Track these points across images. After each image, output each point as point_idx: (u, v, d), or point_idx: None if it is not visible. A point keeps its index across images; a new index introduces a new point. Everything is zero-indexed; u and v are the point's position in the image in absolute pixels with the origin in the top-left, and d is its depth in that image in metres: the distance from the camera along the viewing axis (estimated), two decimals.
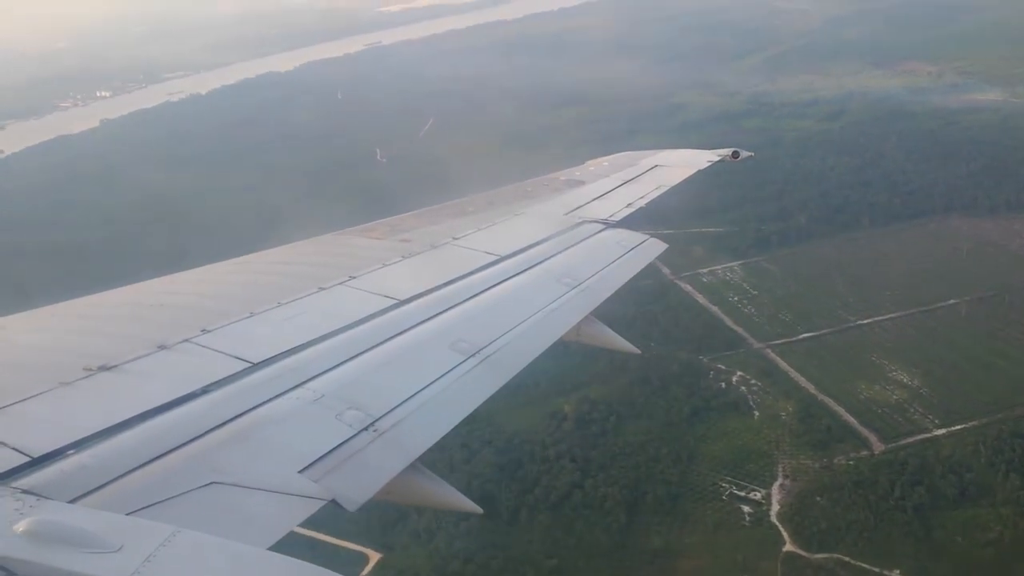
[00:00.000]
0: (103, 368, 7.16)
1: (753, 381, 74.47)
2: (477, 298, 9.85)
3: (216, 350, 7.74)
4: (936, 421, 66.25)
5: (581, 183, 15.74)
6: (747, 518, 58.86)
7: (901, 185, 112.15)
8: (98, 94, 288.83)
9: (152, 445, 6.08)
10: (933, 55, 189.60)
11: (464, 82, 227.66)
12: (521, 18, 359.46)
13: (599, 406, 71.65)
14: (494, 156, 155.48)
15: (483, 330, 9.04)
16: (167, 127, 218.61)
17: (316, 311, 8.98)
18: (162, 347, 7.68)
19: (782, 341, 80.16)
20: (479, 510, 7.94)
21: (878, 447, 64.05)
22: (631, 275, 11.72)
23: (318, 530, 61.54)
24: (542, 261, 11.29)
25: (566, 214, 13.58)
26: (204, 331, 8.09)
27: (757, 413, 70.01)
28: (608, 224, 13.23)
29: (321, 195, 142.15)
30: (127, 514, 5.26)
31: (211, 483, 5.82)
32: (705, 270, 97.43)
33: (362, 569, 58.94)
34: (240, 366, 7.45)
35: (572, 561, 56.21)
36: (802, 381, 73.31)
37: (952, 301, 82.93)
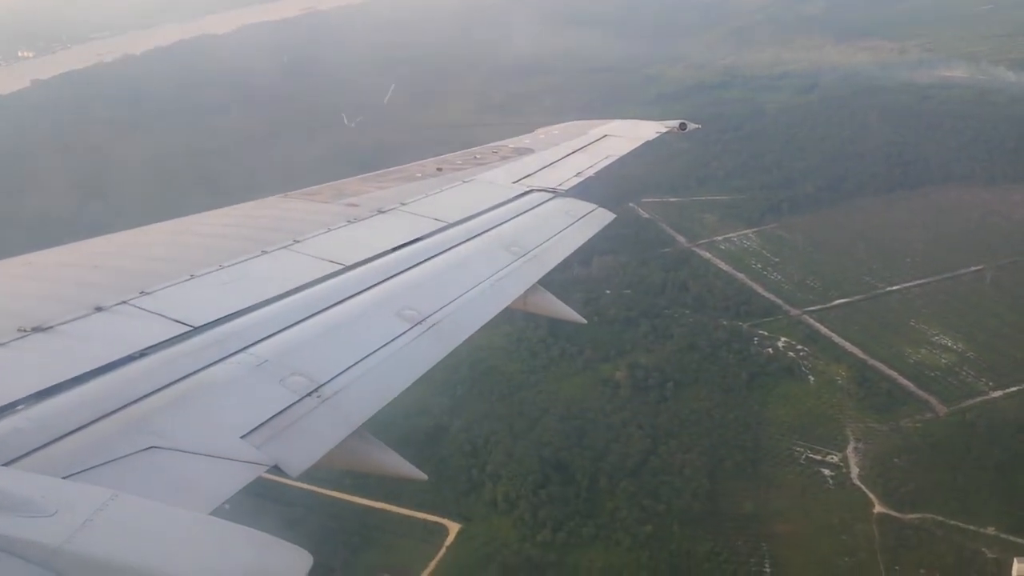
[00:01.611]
0: (37, 329, 6.95)
1: (799, 346, 74.57)
2: (424, 265, 9.72)
3: (155, 313, 7.54)
4: (990, 383, 67.39)
5: (530, 151, 15.67)
6: (830, 481, 58.86)
7: (895, 156, 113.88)
8: (20, 54, 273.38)
9: (89, 408, 5.90)
10: (891, 32, 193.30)
11: (420, 48, 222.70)
12: None
13: (652, 373, 70.59)
14: (470, 123, 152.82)
15: (429, 298, 8.92)
16: (107, 89, 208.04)
17: (259, 275, 8.81)
18: (99, 308, 7.44)
19: (818, 307, 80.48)
20: (423, 477, 7.87)
21: (941, 409, 64.82)
22: (579, 244, 11.64)
23: (393, 502, 59.46)
24: (490, 229, 11.19)
25: (515, 182, 13.48)
26: (143, 293, 7.86)
27: (812, 378, 70.12)
28: (557, 193, 13.09)
29: (291, 160, 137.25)
30: (63, 478, 5.14)
31: (150, 447, 5.68)
32: (720, 237, 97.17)
33: (444, 540, 56.70)
34: (180, 329, 7.25)
35: (666, 527, 55.16)
36: (848, 346, 73.68)
37: (974, 268, 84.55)
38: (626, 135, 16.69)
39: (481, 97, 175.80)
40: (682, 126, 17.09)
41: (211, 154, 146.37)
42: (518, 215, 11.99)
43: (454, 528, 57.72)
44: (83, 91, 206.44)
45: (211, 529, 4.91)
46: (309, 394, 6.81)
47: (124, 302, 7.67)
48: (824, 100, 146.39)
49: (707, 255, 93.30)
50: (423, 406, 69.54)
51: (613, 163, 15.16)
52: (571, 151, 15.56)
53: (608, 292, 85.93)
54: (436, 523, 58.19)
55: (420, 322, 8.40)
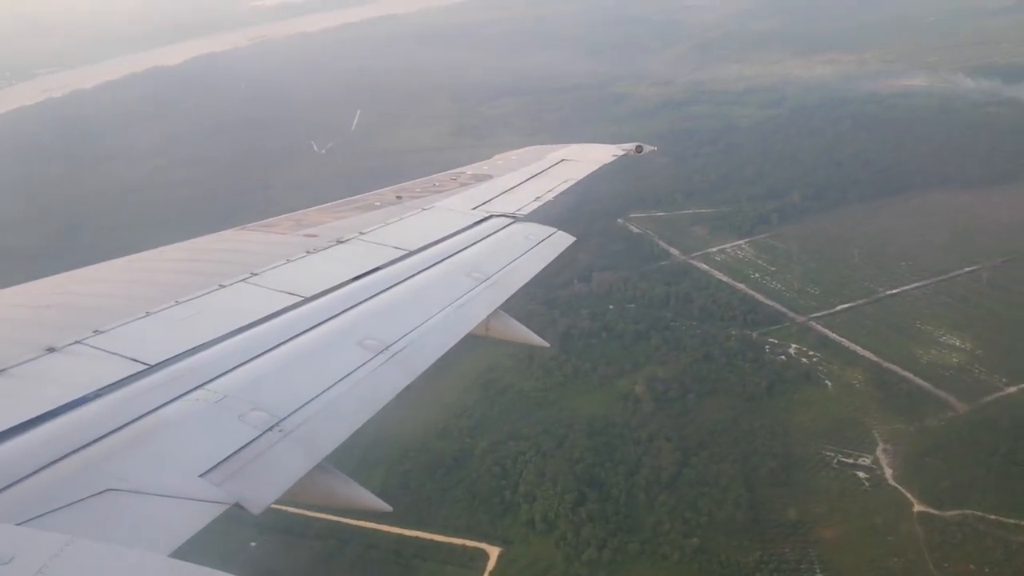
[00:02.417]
0: None
1: (811, 353, 75.11)
2: (385, 294, 9.73)
3: (110, 351, 7.42)
4: (1004, 380, 68.44)
5: (489, 177, 15.84)
6: (865, 483, 59.00)
7: (873, 164, 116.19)
8: None
9: (43, 451, 5.81)
10: (846, 46, 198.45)
11: (386, 75, 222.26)
12: (416, 12, 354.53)
13: (672, 385, 70.48)
14: (444, 146, 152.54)
15: (391, 326, 8.91)
16: (60, 124, 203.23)
17: (216, 309, 8.71)
18: (51, 349, 7.33)
19: (822, 313, 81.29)
20: (388, 508, 7.66)
21: (961, 407, 65.61)
22: (539, 268, 11.65)
23: (425, 529, 58.22)
24: (450, 256, 11.29)
25: (474, 208, 13.60)
26: (96, 332, 7.75)
27: (829, 383, 70.55)
28: (516, 218, 13.21)
29: (257, 190, 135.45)
30: (17, 524, 5.07)
31: (107, 490, 5.58)
32: (714, 249, 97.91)
33: (485, 564, 55.53)
34: (136, 368, 7.16)
35: (712, 539, 54.74)
36: (859, 350, 74.44)
37: (968, 269, 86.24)
38: (583, 159, 16.96)
39: (452, 120, 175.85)
40: (638, 149, 17.42)
41: (176, 185, 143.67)
42: (478, 241, 12.04)
43: (494, 552, 56.60)
44: (35, 127, 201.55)
45: (170, 571, 4.84)
46: (270, 428, 6.71)
47: (77, 342, 7.52)
48: (792, 113, 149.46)
49: (704, 267, 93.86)
50: (443, 429, 68.71)
51: (580, 184, 15.50)
52: (529, 176, 15.76)
53: (611, 307, 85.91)
54: (475, 548, 57.03)
55: (382, 351, 8.33)
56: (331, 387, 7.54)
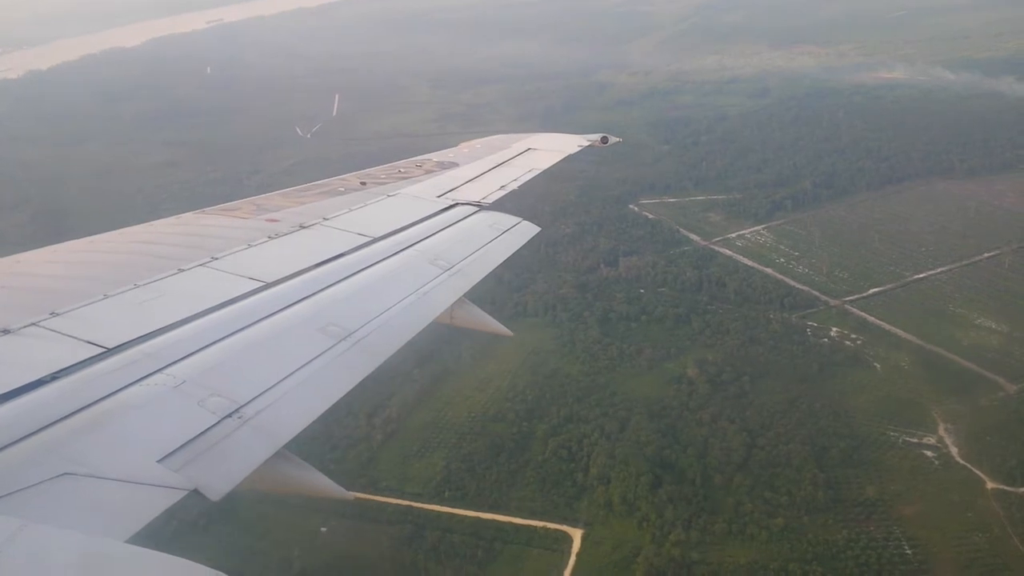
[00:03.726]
0: None
1: (853, 335, 76.02)
2: (348, 280, 9.73)
3: (66, 334, 7.36)
4: None
5: (455, 165, 15.90)
6: (935, 462, 59.84)
7: (874, 152, 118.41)
8: None
9: None
10: (819, 38, 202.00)
11: (357, 59, 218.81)
12: None
13: (724, 368, 70.58)
14: (437, 133, 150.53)
15: (354, 313, 8.90)
16: (22, 104, 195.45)
17: (175, 293, 8.63)
18: (5, 331, 7.25)
19: (855, 297, 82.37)
20: (350, 496, 7.83)
21: (1010, 387, 67.06)
22: (504, 257, 11.73)
23: (500, 512, 57.38)
24: (415, 243, 11.29)
25: (439, 196, 13.66)
26: (53, 314, 7.68)
27: (878, 365, 71.42)
28: (481, 206, 13.31)
29: (257, 173, 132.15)
30: None
31: (63, 474, 5.54)
32: (734, 235, 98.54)
33: (570, 547, 54.80)
34: (93, 351, 7.10)
35: (795, 518, 54.91)
36: (900, 333, 75.59)
37: (988, 254, 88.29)
38: (549, 148, 17.03)
39: (436, 107, 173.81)
40: (603, 140, 17.47)
41: (145, 170, 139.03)
42: (443, 229, 12.00)
43: (575, 534, 55.90)
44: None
45: (125, 556, 4.80)
46: (229, 415, 6.65)
47: (33, 324, 7.41)
48: (780, 103, 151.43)
49: (728, 252, 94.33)
50: (497, 412, 67.78)
51: (546, 172, 15.61)
52: (495, 165, 15.78)
53: (642, 291, 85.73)
54: (556, 530, 56.23)
55: (345, 338, 8.27)
56: (292, 374, 7.42)
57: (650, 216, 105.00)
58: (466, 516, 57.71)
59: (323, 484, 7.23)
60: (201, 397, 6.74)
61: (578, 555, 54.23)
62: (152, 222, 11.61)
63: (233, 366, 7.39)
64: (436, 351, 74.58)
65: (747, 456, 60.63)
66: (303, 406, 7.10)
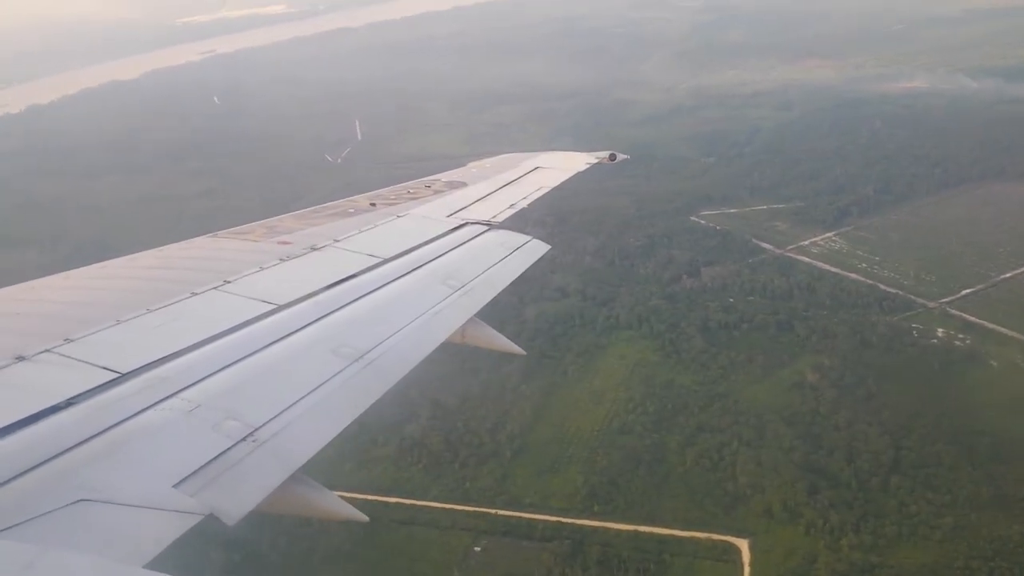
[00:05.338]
0: None
1: (960, 335, 75.75)
2: (360, 302, 9.77)
3: (80, 360, 7.39)
4: None
5: (463, 184, 16.06)
6: None
7: (923, 159, 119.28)
8: None
9: (12, 462, 5.75)
10: (828, 52, 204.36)
11: (370, 85, 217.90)
12: (365, 26, 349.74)
13: (845, 372, 69.96)
14: (467, 155, 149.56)
15: (366, 334, 8.92)
16: (33, 138, 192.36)
17: (189, 317, 8.70)
18: (20, 358, 7.27)
19: (950, 299, 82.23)
20: (365, 518, 7.72)
21: None
22: (515, 276, 11.81)
23: (654, 524, 56.14)
24: (426, 263, 11.36)
25: (449, 215, 13.74)
26: (67, 340, 7.70)
27: (994, 363, 71.17)
28: (492, 225, 13.36)
29: (299, 199, 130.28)
30: None
31: (79, 500, 5.56)
32: (806, 242, 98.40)
33: (740, 557, 53.54)
34: (107, 376, 7.12)
35: (964, 517, 54.14)
36: (1007, 332, 75.43)
37: None
38: (557, 167, 17.03)
39: (458, 128, 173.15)
40: (612, 157, 17.47)
41: (183, 200, 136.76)
42: (453, 248, 12.06)
43: (741, 544, 54.67)
44: (7, 142, 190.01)
45: None
46: (244, 438, 6.64)
47: (47, 350, 7.43)
48: (810, 114, 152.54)
49: (806, 259, 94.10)
50: (623, 424, 66.68)
51: (555, 190, 15.63)
52: (504, 184, 15.82)
53: (731, 300, 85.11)
54: (721, 541, 54.97)
55: (357, 359, 8.27)
56: (306, 396, 7.42)
57: (716, 227, 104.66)
58: (622, 530, 56.30)
59: (338, 506, 7.19)
60: (215, 421, 6.73)
61: (751, 565, 53.03)
62: (164, 246, 11.59)
63: (247, 389, 7.36)
64: (539, 367, 73.71)
65: (896, 458, 59.77)
66: (317, 428, 7.10)
